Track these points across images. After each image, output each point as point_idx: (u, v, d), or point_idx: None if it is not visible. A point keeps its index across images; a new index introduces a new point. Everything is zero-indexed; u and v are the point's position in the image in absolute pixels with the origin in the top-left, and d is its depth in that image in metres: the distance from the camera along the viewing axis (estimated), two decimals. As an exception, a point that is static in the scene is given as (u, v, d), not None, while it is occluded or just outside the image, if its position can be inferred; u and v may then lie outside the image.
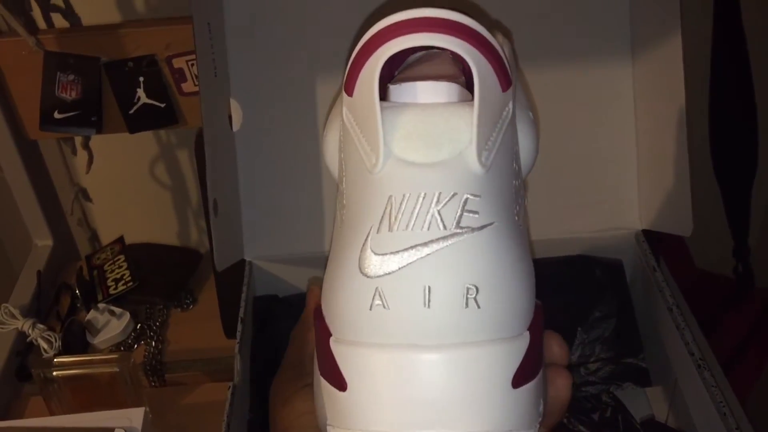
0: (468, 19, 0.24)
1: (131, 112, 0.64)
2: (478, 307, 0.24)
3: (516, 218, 0.26)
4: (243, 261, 0.56)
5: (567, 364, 0.32)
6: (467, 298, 0.24)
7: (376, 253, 0.24)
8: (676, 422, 0.51)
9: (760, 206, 0.79)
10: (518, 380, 0.25)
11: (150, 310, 0.68)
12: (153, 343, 0.65)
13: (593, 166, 0.55)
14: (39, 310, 0.68)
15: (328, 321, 0.27)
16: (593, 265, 0.55)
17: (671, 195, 0.51)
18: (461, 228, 0.24)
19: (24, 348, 0.63)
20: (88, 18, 0.67)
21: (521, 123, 0.29)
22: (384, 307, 0.24)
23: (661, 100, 0.51)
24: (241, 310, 0.51)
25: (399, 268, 0.24)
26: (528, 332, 0.26)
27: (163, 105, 0.64)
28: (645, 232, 0.55)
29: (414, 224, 0.24)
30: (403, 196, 0.24)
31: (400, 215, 0.24)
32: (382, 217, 0.24)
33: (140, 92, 0.63)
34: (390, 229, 0.24)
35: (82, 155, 0.77)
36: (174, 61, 0.62)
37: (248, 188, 0.55)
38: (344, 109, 0.27)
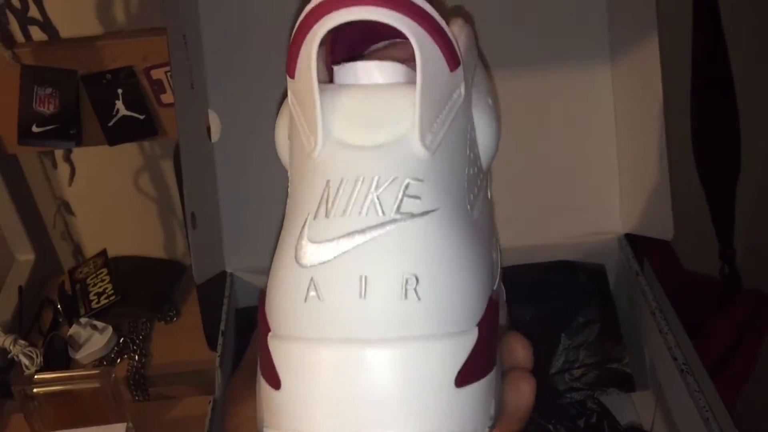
0: None
1: (110, 124, 0.63)
2: (418, 298, 0.23)
3: (468, 207, 0.25)
4: (224, 273, 0.55)
5: (531, 367, 0.30)
6: (406, 289, 0.23)
7: (312, 241, 0.23)
8: (661, 428, 0.50)
9: (745, 207, 0.79)
10: (463, 379, 0.24)
11: (133, 323, 0.68)
12: (136, 357, 0.64)
13: (574, 171, 0.55)
14: (21, 325, 0.67)
15: (267, 315, 0.25)
16: (576, 270, 0.54)
17: (652, 199, 0.51)
18: (401, 214, 0.23)
19: (5, 364, 0.63)
20: (66, 30, 0.67)
21: (479, 108, 0.27)
22: (318, 298, 0.23)
23: (641, 103, 0.51)
24: (222, 323, 0.51)
25: (334, 257, 0.23)
26: (477, 328, 0.24)
27: (142, 116, 0.63)
28: (628, 236, 0.55)
29: (351, 210, 0.23)
30: (341, 180, 0.23)
31: (337, 200, 0.23)
32: (320, 202, 0.23)
33: (119, 104, 0.63)
34: (327, 215, 0.23)
35: (63, 168, 0.76)
36: (152, 72, 0.62)
37: (229, 199, 0.54)
38: (290, 93, 0.26)
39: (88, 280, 0.70)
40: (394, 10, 0.23)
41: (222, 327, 0.51)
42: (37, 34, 0.67)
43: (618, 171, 0.55)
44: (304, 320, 0.23)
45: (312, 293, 0.23)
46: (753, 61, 0.74)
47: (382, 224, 0.23)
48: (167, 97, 0.63)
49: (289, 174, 0.27)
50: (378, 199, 0.23)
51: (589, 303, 0.53)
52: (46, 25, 0.66)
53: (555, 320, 0.53)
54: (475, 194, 0.26)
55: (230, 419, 0.31)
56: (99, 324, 0.66)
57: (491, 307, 0.25)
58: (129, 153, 0.77)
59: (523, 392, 0.28)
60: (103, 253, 0.73)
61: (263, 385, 0.25)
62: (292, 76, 0.25)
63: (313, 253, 0.23)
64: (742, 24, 0.71)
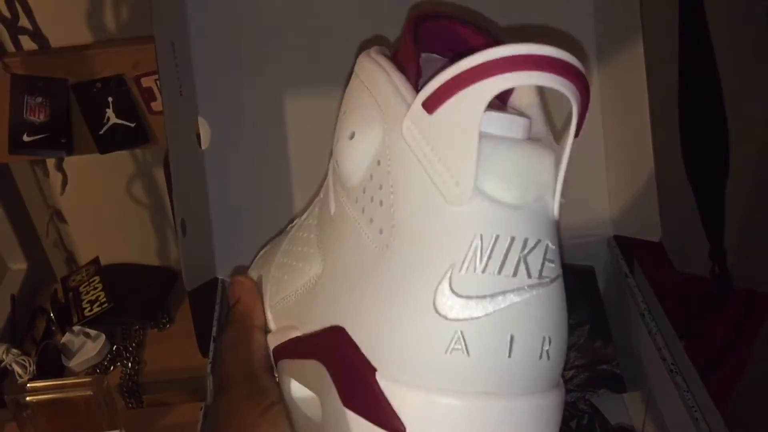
0: (579, 63, 0.23)
1: (101, 132, 0.63)
2: (549, 358, 0.24)
3: None
4: (216, 279, 0.55)
5: None
6: (542, 350, 0.24)
7: (458, 295, 0.23)
8: (652, 428, 0.51)
9: (735, 208, 0.80)
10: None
11: (126, 331, 0.68)
12: (129, 364, 0.65)
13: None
14: (14, 334, 0.67)
15: (368, 352, 0.25)
16: (565, 272, 0.55)
17: (639, 201, 0.51)
18: (543, 278, 0.24)
19: (-2, 374, 0.63)
20: (56, 39, 0.67)
21: None
22: (464, 352, 0.23)
23: (627, 105, 0.51)
24: (214, 329, 0.51)
25: (485, 314, 0.23)
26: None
27: (133, 124, 0.64)
28: (617, 237, 0.55)
29: (505, 269, 0.23)
30: (495, 237, 0.23)
31: (490, 257, 0.23)
32: (467, 255, 0.23)
33: (109, 112, 0.63)
34: (476, 270, 0.23)
35: (56, 176, 0.77)
36: (143, 80, 0.62)
37: (219, 206, 0.54)
38: (409, 124, 0.25)
39: (81, 288, 0.70)
40: (572, 83, 0.23)
41: (213, 333, 0.51)
42: (27, 43, 0.67)
43: (606, 173, 0.55)
44: (444, 372, 0.24)
45: (457, 347, 0.23)
46: (740, 62, 0.74)
47: (531, 287, 0.23)
48: (157, 105, 0.64)
49: (370, 197, 0.26)
50: (526, 261, 0.23)
51: (578, 305, 0.53)
52: (36, 34, 0.67)
53: (545, 322, 0.53)
54: None
55: None
56: (92, 332, 0.66)
57: None
58: (121, 161, 0.77)
59: None
60: (96, 261, 0.74)
61: (356, 421, 0.25)
62: (431, 112, 0.24)
63: (460, 307, 0.23)
64: (729, 25, 0.71)
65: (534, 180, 0.24)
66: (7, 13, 0.65)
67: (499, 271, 0.23)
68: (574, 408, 0.52)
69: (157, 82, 0.62)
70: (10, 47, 0.67)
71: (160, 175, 0.79)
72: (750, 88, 0.75)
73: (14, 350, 0.62)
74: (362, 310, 0.25)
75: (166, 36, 0.48)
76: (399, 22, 0.40)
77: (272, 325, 0.34)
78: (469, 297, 0.23)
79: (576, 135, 0.25)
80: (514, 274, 0.23)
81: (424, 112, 0.24)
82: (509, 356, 0.23)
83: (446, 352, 0.23)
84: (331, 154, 0.32)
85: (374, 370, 0.25)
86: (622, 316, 0.53)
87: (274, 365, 0.33)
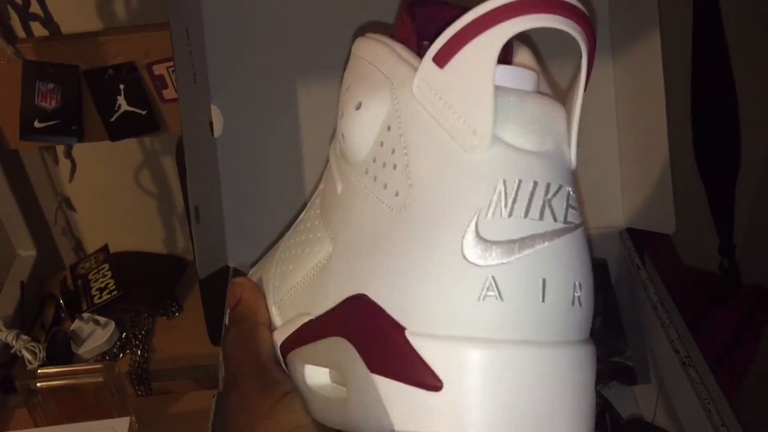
0: (584, 9, 0.24)
1: (112, 119, 0.63)
2: (580, 305, 0.24)
3: None
4: (227, 267, 0.55)
5: None
6: (574, 296, 0.24)
7: (486, 240, 0.23)
8: (663, 420, 0.51)
9: (745, 203, 0.80)
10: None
11: (135, 318, 0.68)
12: (138, 351, 0.65)
13: (576, 166, 0.55)
14: (23, 321, 0.67)
15: (395, 313, 0.25)
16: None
17: (653, 193, 0.51)
18: (568, 223, 0.23)
19: (8, 359, 0.63)
20: (67, 26, 0.67)
21: None
22: (497, 298, 0.23)
23: (642, 99, 0.51)
24: (225, 318, 0.51)
25: (516, 259, 0.23)
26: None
27: (144, 112, 0.64)
28: (629, 230, 0.55)
29: (532, 213, 0.23)
30: (518, 181, 0.23)
31: (515, 201, 0.23)
32: (492, 200, 0.23)
33: (121, 99, 0.63)
34: (502, 214, 0.23)
35: (65, 163, 0.76)
36: (154, 67, 0.62)
37: (231, 194, 0.54)
38: (420, 82, 0.25)
39: (90, 276, 0.70)
40: (581, 27, 0.23)
41: (225, 321, 0.51)
42: (38, 29, 0.67)
43: (619, 165, 0.55)
44: (476, 320, 0.23)
45: (490, 293, 0.23)
46: (754, 57, 0.74)
47: (557, 231, 0.23)
48: (169, 93, 0.63)
49: (384, 165, 0.26)
50: (550, 205, 0.23)
51: (590, 297, 0.53)
52: (48, 20, 0.67)
53: (557, 314, 0.53)
54: None
55: None
56: (101, 319, 0.66)
57: None
58: (129, 149, 0.77)
59: None
60: (105, 248, 0.73)
61: (388, 386, 0.24)
62: (442, 66, 0.24)
63: (490, 252, 0.23)
64: (743, 20, 0.71)
65: (550, 128, 0.24)
66: (18, 0, 0.65)
67: (525, 215, 0.23)
68: (584, 400, 0.52)
69: (169, 69, 0.62)
70: (21, 33, 0.67)
71: (168, 163, 0.79)
72: (762, 83, 0.75)
73: (24, 336, 0.62)
74: (384, 272, 0.25)
75: (181, 23, 0.48)
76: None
77: (278, 321, 0.34)
78: (497, 242, 0.23)
79: (585, 85, 0.25)
80: (540, 217, 0.23)
81: (435, 67, 0.24)
82: (543, 301, 0.23)
83: (479, 299, 0.23)
84: (331, 140, 0.32)
85: (403, 329, 0.24)
86: (634, 308, 0.53)
87: (282, 360, 0.32)
